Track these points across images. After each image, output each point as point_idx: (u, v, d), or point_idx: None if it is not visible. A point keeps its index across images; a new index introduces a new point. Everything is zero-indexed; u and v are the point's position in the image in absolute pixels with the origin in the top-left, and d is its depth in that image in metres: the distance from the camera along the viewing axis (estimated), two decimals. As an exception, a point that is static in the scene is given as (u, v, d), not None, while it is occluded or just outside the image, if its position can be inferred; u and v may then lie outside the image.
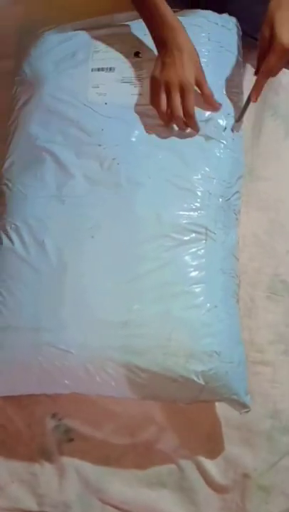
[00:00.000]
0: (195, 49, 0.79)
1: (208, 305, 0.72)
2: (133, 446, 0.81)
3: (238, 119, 0.82)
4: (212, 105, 0.80)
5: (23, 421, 0.82)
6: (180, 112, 0.77)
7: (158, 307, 0.71)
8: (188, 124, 0.79)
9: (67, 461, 0.80)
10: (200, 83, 0.79)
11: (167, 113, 0.78)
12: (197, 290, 0.72)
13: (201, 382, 0.69)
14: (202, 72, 0.79)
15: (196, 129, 0.79)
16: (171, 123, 0.80)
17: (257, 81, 0.82)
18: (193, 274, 0.73)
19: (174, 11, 0.83)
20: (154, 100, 0.79)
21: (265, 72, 0.80)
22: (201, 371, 0.69)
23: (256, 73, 0.82)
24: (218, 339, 0.71)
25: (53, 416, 0.82)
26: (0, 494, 0.79)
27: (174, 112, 0.77)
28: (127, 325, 0.70)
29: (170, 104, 0.77)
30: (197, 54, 0.79)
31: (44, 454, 0.81)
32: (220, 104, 0.81)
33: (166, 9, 0.79)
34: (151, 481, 0.79)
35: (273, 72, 0.80)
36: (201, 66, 0.79)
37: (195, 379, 0.69)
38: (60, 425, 0.81)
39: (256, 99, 0.83)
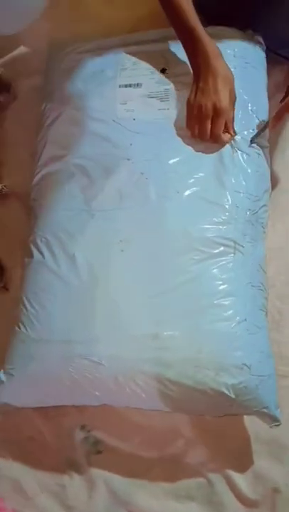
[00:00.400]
0: (231, 74, 0.80)
1: (238, 318, 0.72)
2: (161, 460, 0.81)
3: (252, 140, 0.82)
4: (229, 131, 0.81)
5: (51, 432, 0.83)
6: (207, 137, 0.80)
7: (188, 320, 0.71)
8: (215, 142, 0.80)
9: (95, 473, 0.80)
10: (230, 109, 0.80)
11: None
12: (226, 303, 0.72)
13: (232, 395, 0.69)
14: (235, 95, 0.80)
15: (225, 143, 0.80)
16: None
17: (279, 111, 0.81)
18: (223, 287, 0.73)
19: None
20: (189, 124, 0.81)
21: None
22: (232, 384, 0.69)
23: (282, 100, 0.82)
24: (248, 352, 0.71)
25: (82, 428, 0.82)
26: (29, 504, 0.80)
27: (202, 137, 0.80)
28: (158, 337, 0.70)
29: (200, 128, 0.80)
30: (232, 79, 0.80)
31: (73, 466, 0.81)
32: (234, 134, 0.81)
33: (202, 33, 0.80)
34: (180, 494, 0.79)
35: None
36: (235, 91, 0.80)
37: (225, 392, 0.69)
38: (89, 437, 0.82)
39: (274, 127, 0.83)
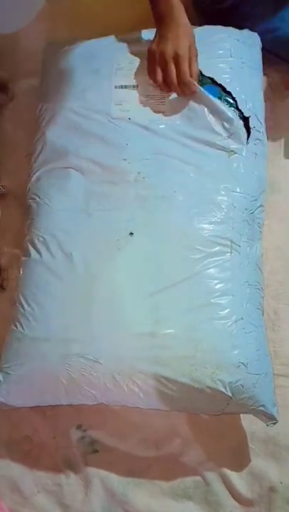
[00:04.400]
0: (191, 27, 0.82)
1: (234, 317, 0.72)
2: (158, 459, 0.81)
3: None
4: (189, 86, 0.80)
5: (48, 432, 0.83)
6: (174, 81, 0.80)
7: (185, 319, 0.72)
8: (185, 91, 0.81)
9: (92, 472, 0.80)
10: (191, 57, 0.81)
11: (165, 83, 0.82)
12: (223, 302, 0.73)
13: (228, 393, 0.69)
14: (195, 47, 0.82)
15: (193, 93, 0.81)
16: (169, 92, 0.83)
17: None
18: (219, 286, 0.73)
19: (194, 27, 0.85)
20: (151, 72, 0.82)
21: None
22: (229, 382, 0.69)
23: None
24: (245, 351, 0.71)
25: (78, 427, 0.82)
26: (25, 504, 0.80)
27: (169, 82, 0.81)
28: (155, 336, 0.71)
29: (165, 74, 0.81)
30: (191, 28, 0.82)
31: (69, 465, 0.81)
32: (196, 89, 0.81)
33: None
34: (177, 493, 0.79)
35: None
36: (195, 41, 0.82)
37: (222, 390, 0.69)
38: (85, 436, 0.82)
39: None
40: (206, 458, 0.80)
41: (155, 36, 0.83)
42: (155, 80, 0.82)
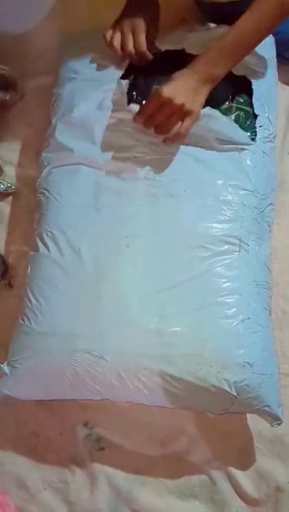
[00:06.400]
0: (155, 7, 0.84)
1: (241, 316, 0.72)
2: (164, 457, 0.81)
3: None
4: (143, 54, 0.82)
5: (54, 429, 0.83)
6: (130, 47, 0.82)
7: (191, 317, 0.72)
8: (140, 60, 0.83)
9: (98, 469, 0.80)
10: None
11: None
12: (230, 301, 0.73)
13: (233, 392, 0.69)
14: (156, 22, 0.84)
15: (147, 60, 0.83)
16: (125, 59, 0.85)
17: None
18: (227, 284, 0.73)
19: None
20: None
21: None
22: (234, 382, 0.69)
23: None
24: (251, 350, 0.71)
25: (85, 424, 0.82)
26: (32, 500, 0.80)
27: (125, 48, 0.83)
28: (161, 334, 0.71)
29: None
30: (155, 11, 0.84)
31: (75, 462, 0.81)
32: (147, 57, 0.83)
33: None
34: (183, 492, 0.79)
35: None
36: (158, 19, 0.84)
37: (227, 389, 0.69)
38: (92, 434, 0.82)
39: None
40: (212, 457, 0.80)
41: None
42: (111, 47, 0.83)
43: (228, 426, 0.80)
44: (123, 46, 0.83)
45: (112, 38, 0.84)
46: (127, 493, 0.79)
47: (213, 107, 0.80)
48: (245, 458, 0.80)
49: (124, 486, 0.80)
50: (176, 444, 0.81)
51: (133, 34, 0.82)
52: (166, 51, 0.86)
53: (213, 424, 0.81)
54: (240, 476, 0.79)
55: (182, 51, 0.85)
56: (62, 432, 0.83)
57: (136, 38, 0.82)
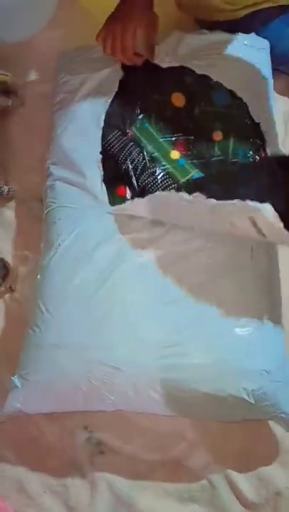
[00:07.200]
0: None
1: (255, 323, 0.72)
2: (163, 462, 0.81)
3: None
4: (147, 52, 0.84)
5: (54, 433, 0.83)
6: (119, 51, 0.83)
7: (205, 326, 0.71)
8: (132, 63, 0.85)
9: (98, 474, 0.80)
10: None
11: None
12: (243, 308, 0.72)
13: (251, 401, 0.68)
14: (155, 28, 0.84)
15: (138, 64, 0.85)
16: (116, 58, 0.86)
17: None
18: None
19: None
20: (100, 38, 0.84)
21: None
22: (252, 390, 0.69)
23: None
24: (266, 358, 0.71)
25: (85, 428, 0.82)
26: (31, 505, 0.80)
27: (115, 52, 0.84)
28: (176, 343, 0.70)
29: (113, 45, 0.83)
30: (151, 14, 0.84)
31: (75, 467, 0.81)
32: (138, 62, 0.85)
33: None
34: (183, 497, 0.79)
35: None
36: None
37: (245, 398, 0.68)
38: (92, 438, 0.82)
39: None
40: (211, 461, 0.80)
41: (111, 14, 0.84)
42: (105, 45, 0.84)
43: (227, 431, 0.80)
44: (113, 50, 0.84)
45: (104, 41, 0.85)
46: (127, 498, 0.79)
47: None
48: (244, 463, 0.80)
49: (123, 490, 0.79)
50: (175, 448, 0.81)
51: (122, 37, 0.83)
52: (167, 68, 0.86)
53: (213, 429, 0.81)
54: (240, 480, 0.79)
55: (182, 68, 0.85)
56: (62, 436, 0.83)
57: (124, 41, 0.83)
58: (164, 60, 0.87)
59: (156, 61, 0.87)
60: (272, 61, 0.93)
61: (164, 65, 0.87)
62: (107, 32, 0.84)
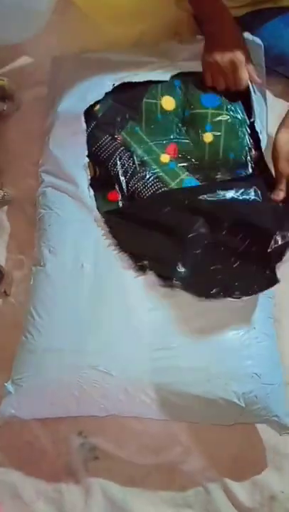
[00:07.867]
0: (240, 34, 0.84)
1: (247, 326, 0.72)
2: (158, 467, 0.81)
3: None
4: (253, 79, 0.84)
5: (48, 438, 0.83)
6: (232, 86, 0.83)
7: (197, 329, 0.71)
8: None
9: (92, 479, 0.80)
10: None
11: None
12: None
13: (242, 404, 0.69)
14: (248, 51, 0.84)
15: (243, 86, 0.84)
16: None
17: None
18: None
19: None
20: (207, 81, 0.84)
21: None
22: (242, 393, 0.69)
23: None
24: (258, 361, 0.71)
25: (79, 434, 0.82)
26: (26, 511, 0.79)
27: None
28: (167, 347, 0.70)
29: (217, 83, 0.83)
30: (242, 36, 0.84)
31: (70, 472, 0.81)
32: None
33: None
34: (177, 502, 0.79)
35: None
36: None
37: (236, 401, 0.68)
38: (86, 443, 0.82)
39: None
40: (206, 466, 0.80)
41: (206, 48, 0.83)
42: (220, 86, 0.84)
43: (222, 435, 0.80)
44: (227, 86, 0.83)
45: (215, 81, 0.84)
46: (122, 503, 0.79)
47: None
48: (239, 467, 0.80)
49: (118, 496, 0.79)
50: (170, 453, 0.81)
51: (234, 71, 0.82)
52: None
53: (207, 434, 0.81)
54: (235, 485, 0.78)
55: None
56: (56, 442, 0.82)
57: (237, 75, 0.82)
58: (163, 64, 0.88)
59: (155, 66, 0.88)
60: (271, 62, 0.93)
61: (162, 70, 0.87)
62: (213, 70, 0.83)
